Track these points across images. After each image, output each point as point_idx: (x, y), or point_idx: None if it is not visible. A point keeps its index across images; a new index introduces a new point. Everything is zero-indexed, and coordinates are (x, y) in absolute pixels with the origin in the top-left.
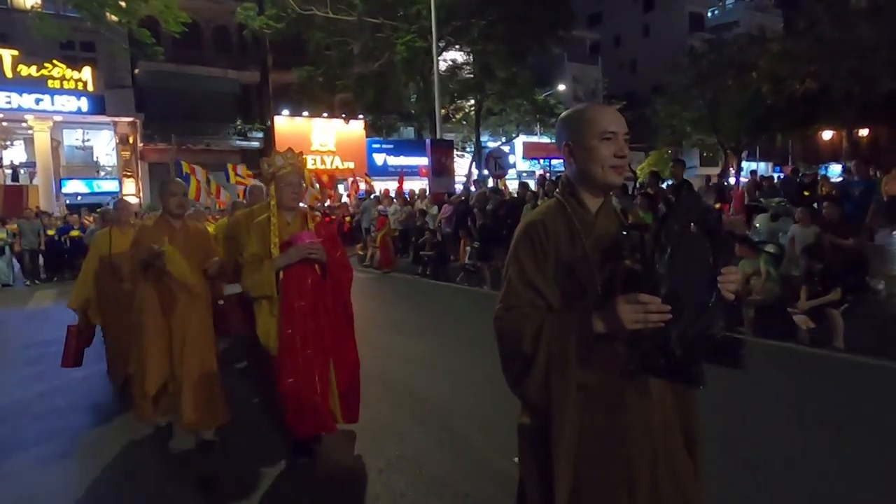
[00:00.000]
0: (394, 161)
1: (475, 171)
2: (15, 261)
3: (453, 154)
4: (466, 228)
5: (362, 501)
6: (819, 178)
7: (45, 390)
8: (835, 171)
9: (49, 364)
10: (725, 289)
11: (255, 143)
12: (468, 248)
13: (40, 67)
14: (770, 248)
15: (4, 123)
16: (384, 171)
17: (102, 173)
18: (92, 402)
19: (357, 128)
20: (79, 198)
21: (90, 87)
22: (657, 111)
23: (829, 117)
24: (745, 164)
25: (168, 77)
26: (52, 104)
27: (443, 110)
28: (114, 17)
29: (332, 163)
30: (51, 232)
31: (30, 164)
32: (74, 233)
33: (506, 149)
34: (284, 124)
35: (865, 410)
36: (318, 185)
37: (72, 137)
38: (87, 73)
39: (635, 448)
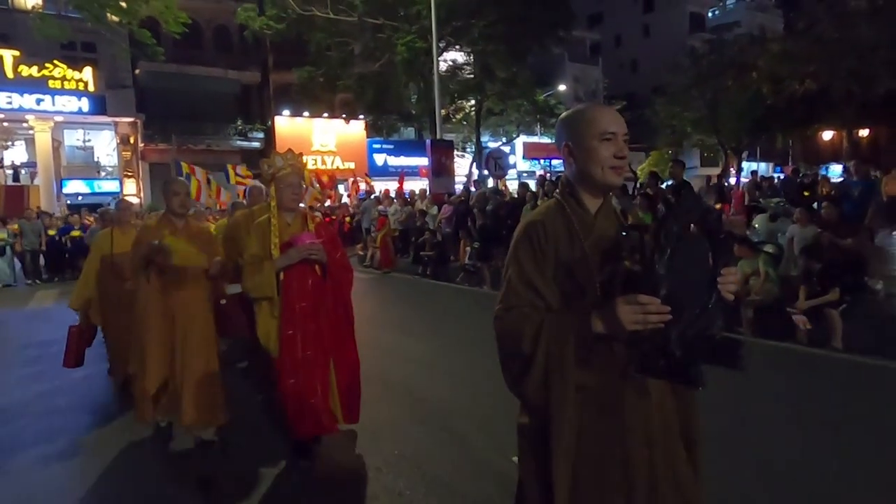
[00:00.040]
0: (394, 161)
1: (475, 172)
2: (16, 261)
3: (453, 154)
4: (466, 229)
5: (362, 501)
6: (819, 178)
7: (46, 390)
8: (835, 171)
9: (49, 364)
10: (725, 290)
11: (256, 144)
12: (468, 249)
13: (41, 68)
14: (769, 249)
15: (5, 124)
16: (384, 172)
17: (103, 173)
18: (92, 402)
19: (357, 128)
20: (80, 198)
21: (91, 88)
22: (657, 111)
23: (829, 117)
24: (745, 164)
25: (169, 77)
26: (53, 104)
27: (443, 111)
28: (114, 18)
29: (332, 163)
30: (52, 232)
31: (31, 165)
32: (75, 233)
33: (506, 149)
34: (285, 125)
35: (864, 410)
36: (317, 185)
37: (73, 138)
38: (87, 73)
39: (634, 449)
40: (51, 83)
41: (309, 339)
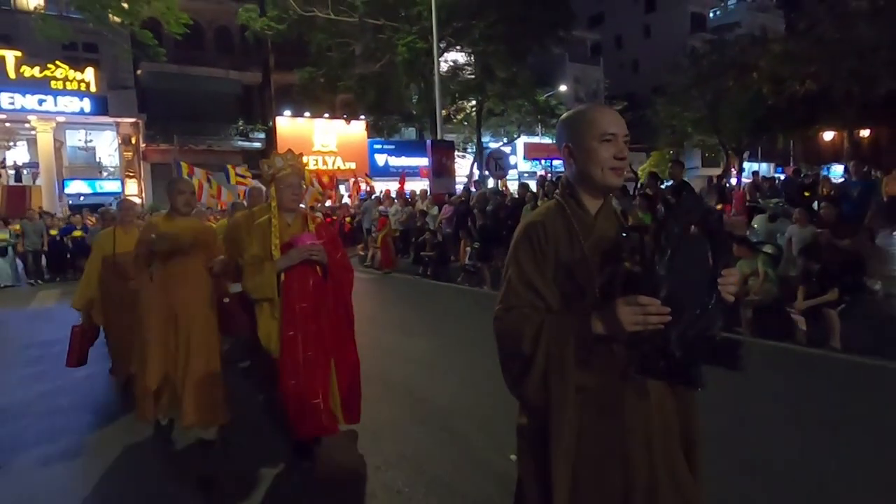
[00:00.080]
0: (395, 162)
1: (476, 172)
2: (18, 261)
3: (454, 155)
4: (467, 229)
5: (361, 500)
6: (820, 178)
7: (48, 390)
8: (837, 171)
9: (51, 364)
10: (725, 290)
11: (257, 144)
12: (468, 249)
13: (43, 68)
14: (768, 249)
15: (7, 124)
16: (385, 172)
17: (105, 174)
18: (94, 401)
19: (358, 128)
20: (81, 198)
21: (93, 88)
22: (658, 112)
23: (830, 118)
24: (746, 164)
25: (170, 78)
26: (55, 105)
27: (444, 111)
28: (116, 19)
29: (333, 163)
30: (53, 232)
31: (33, 165)
32: (77, 233)
33: (507, 149)
34: (286, 125)
35: (862, 410)
36: (318, 185)
37: (74, 138)
38: (89, 74)
39: (634, 450)
40: (53, 84)
41: (310, 340)
